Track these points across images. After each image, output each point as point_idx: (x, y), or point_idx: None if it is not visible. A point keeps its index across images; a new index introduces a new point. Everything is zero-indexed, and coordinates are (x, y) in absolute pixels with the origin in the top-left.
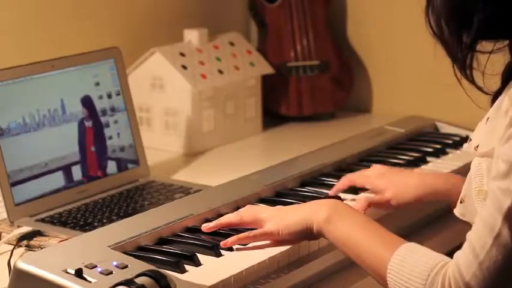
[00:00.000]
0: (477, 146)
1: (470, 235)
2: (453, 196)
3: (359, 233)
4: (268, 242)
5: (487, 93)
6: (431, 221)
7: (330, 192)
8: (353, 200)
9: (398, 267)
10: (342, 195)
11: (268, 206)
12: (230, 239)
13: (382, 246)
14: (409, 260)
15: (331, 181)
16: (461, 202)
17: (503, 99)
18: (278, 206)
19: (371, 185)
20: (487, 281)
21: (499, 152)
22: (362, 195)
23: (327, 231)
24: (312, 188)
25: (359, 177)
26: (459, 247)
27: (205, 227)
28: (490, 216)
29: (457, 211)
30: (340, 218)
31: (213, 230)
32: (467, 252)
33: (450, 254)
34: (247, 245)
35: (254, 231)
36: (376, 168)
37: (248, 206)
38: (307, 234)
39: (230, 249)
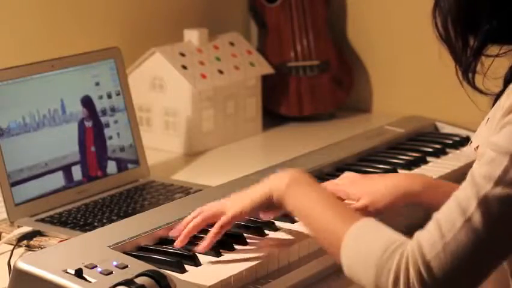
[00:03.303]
0: (477, 147)
1: (438, 215)
2: (424, 198)
3: (318, 203)
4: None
5: (487, 95)
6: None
7: None
8: None
9: (353, 242)
10: None
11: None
12: (203, 244)
13: (339, 219)
14: (366, 235)
15: None
16: None
17: (502, 99)
18: (236, 193)
19: (344, 194)
20: (448, 264)
21: (489, 142)
22: None
23: (287, 198)
24: None
25: (330, 187)
26: None
27: (177, 243)
28: (465, 198)
29: None
30: (301, 186)
31: (185, 243)
32: (432, 231)
33: None
34: (247, 245)
35: (219, 222)
36: (347, 177)
37: (207, 205)
38: (268, 204)
39: (230, 249)
